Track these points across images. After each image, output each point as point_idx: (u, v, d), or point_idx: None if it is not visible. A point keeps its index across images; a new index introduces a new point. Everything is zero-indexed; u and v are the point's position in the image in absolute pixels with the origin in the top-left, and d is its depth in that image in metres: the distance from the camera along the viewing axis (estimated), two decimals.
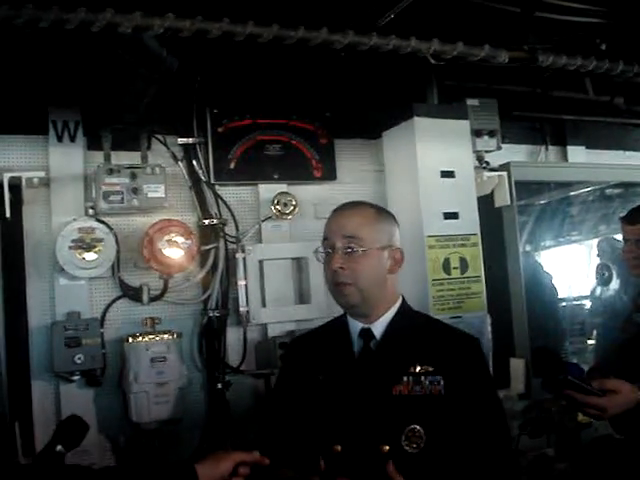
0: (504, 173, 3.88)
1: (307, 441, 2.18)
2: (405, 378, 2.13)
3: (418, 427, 2.08)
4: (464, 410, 2.10)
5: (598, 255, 5.19)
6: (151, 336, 3.11)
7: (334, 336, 2.32)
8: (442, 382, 2.12)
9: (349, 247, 2.18)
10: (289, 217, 3.51)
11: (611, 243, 5.08)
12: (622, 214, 3.46)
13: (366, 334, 2.24)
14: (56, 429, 2.35)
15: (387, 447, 2.05)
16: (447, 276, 3.53)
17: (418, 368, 2.14)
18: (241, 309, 3.39)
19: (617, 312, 4.61)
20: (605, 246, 5.23)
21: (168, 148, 3.41)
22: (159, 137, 3.39)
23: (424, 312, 3.30)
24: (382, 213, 2.32)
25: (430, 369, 2.14)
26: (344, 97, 3.69)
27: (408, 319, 2.31)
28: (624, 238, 3.34)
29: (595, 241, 5.60)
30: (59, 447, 2.19)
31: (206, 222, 3.42)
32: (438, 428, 2.08)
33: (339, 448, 2.10)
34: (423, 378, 2.13)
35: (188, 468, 1.97)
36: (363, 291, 2.19)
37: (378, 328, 2.24)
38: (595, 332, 4.95)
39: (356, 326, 2.26)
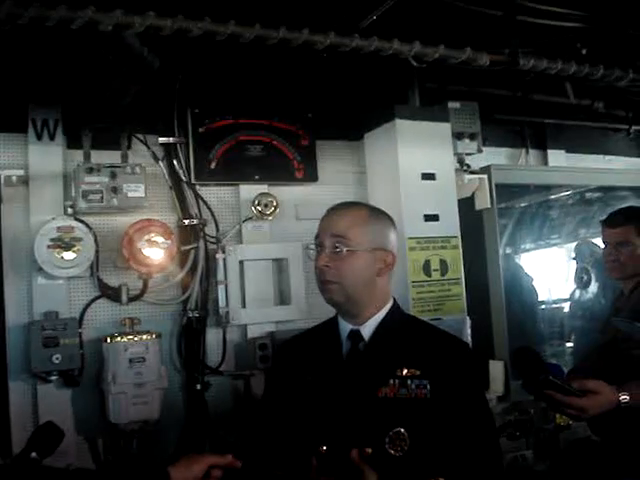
0: (485, 176, 3.89)
1: (295, 442, 2.18)
2: (391, 381, 2.14)
3: (402, 430, 2.08)
4: (450, 415, 2.10)
5: (575, 258, 5.21)
6: (130, 336, 3.09)
7: (324, 337, 2.34)
8: (428, 386, 2.12)
9: (336, 246, 2.20)
10: (270, 218, 3.50)
11: (590, 247, 5.10)
12: (602, 218, 3.49)
13: (355, 336, 2.25)
14: (31, 436, 2.34)
15: (369, 449, 2.03)
16: (427, 278, 3.53)
17: (405, 371, 2.15)
18: (221, 310, 3.37)
19: (596, 315, 4.64)
20: (584, 249, 5.25)
21: (149, 147, 3.39)
22: (140, 136, 3.37)
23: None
24: (376, 215, 2.33)
25: (417, 373, 2.14)
26: (326, 98, 3.69)
27: (398, 322, 2.31)
28: (604, 241, 3.37)
29: (575, 244, 5.63)
30: (33, 454, 2.18)
31: (186, 222, 3.40)
32: (423, 432, 2.08)
33: (324, 449, 2.10)
34: (409, 381, 2.13)
35: (161, 471, 1.97)
36: (348, 291, 2.20)
37: (367, 330, 2.25)
38: (573, 335, 4.97)
39: (346, 327, 2.27)
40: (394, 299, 2.35)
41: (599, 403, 2.42)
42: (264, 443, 2.28)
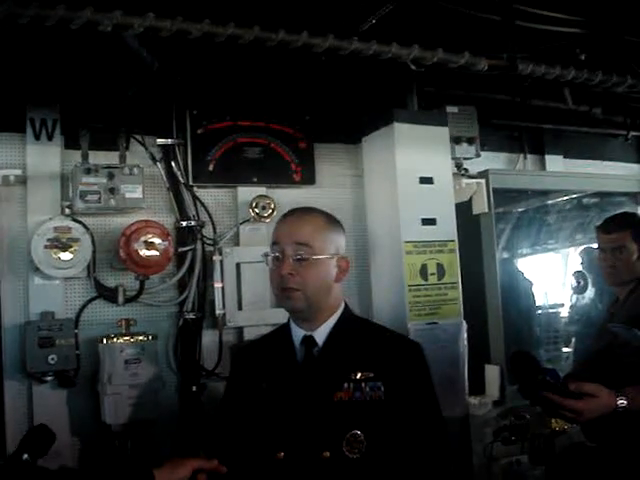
0: (482, 180, 3.90)
1: (252, 448, 2.21)
2: (346, 384, 2.17)
3: (359, 432, 2.11)
4: (404, 415, 2.15)
5: (582, 263, 5.24)
6: (126, 337, 3.09)
7: (278, 344, 2.35)
8: (382, 388, 2.15)
9: (299, 254, 2.20)
10: (267, 220, 3.49)
11: (588, 252, 5.12)
12: (598, 223, 3.50)
13: (308, 341, 2.27)
14: (23, 438, 2.35)
15: (328, 453, 2.08)
16: (424, 282, 3.53)
17: (359, 374, 2.17)
18: (217, 312, 3.37)
19: (592, 320, 4.65)
20: (583, 255, 5.28)
21: (147, 149, 3.38)
22: (138, 137, 3.36)
23: (399, 318, 3.34)
24: (331, 221, 2.34)
25: (371, 375, 2.17)
26: (324, 101, 3.69)
27: (350, 325, 2.33)
28: (600, 247, 3.37)
29: (571, 250, 5.64)
30: (25, 456, 2.19)
31: (184, 224, 3.40)
32: (378, 433, 2.12)
33: (282, 455, 2.14)
34: (364, 384, 2.16)
35: (146, 473, 1.97)
36: (309, 298, 2.21)
37: (320, 335, 2.27)
38: (573, 339, 4.98)
39: (299, 333, 2.29)
40: (345, 303, 2.37)
41: (596, 406, 2.42)
42: (223, 449, 2.29)
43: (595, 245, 3.57)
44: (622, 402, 2.43)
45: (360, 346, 2.25)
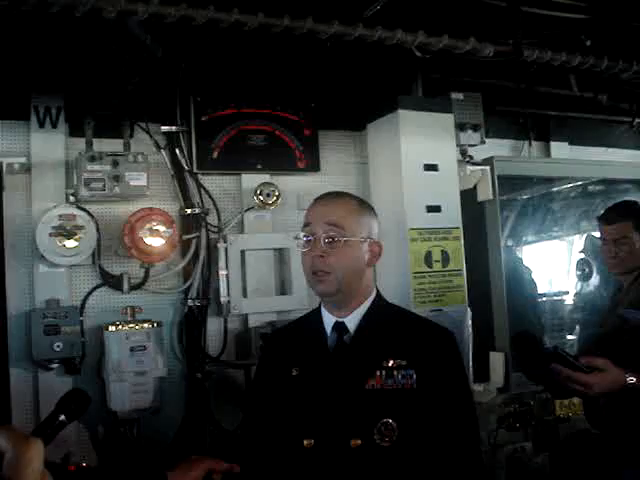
0: (487, 167, 3.89)
1: (281, 436, 2.18)
2: (378, 372, 2.13)
3: (390, 421, 2.08)
4: (436, 404, 2.11)
5: (582, 251, 5.23)
6: (131, 325, 3.10)
7: (309, 329, 2.32)
8: (414, 376, 2.12)
9: (331, 236, 2.17)
10: (272, 207, 3.50)
11: (592, 240, 5.11)
12: (599, 214, 3.49)
13: (340, 328, 2.24)
14: (60, 400, 2.36)
15: (359, 441, 2.06)
16: (429, 269, 3.53)
17: (391, 362, 2.14)
18: (222, 299, 3.37)
19: (597, 308, 4.64)
20: (588, 243, 5.27)
21: (151, 136, 3.38)
22: (142, 125, 3.36)
23: (404, 305, 3.33)
24: (364, 205, 2.31)
25: (403, 363, 2.13)
26: (329, 88, 3.68)
27: (382, 313, 2.30)
28: (602, 238, 3.37)
29: (576, 237, 5.63)
30: (62, 417, 2.20)
31: (188, 211, 3.40)
32: (410, 422, 2.09)
33: (312, 442, 2.11)
34: (396, 372, 2.12)
35: (160, 474, 1.97)
36: (340, 281, 2.17)
37: (352, 322, 2.23)
38: (577, 327, 4.98)
39: (330, 320, 2.25)
40: (377, 289, 2.34)
41: (605, 381, 2.41)
42: (252, 439, 2.28)
43: (597, 233, 3.56)
44: (631, 379, 2.41)
45: (392, 333, 2.22)
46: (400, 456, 2.07)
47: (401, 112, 3.53)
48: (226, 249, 3.40)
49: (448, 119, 3.69)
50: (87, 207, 3.17)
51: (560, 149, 4.54)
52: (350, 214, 2.21)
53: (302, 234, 2.23)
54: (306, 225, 2.23)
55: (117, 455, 3.09)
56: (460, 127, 3.80)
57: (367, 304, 2.27)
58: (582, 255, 5.22)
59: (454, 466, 2.10)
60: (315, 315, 2.33)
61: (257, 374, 2.49)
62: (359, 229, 2.21)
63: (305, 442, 2.11)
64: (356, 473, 2.05)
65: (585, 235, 5.31)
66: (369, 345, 2.19)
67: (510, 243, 5.00)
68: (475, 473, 2.14)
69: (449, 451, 2.10)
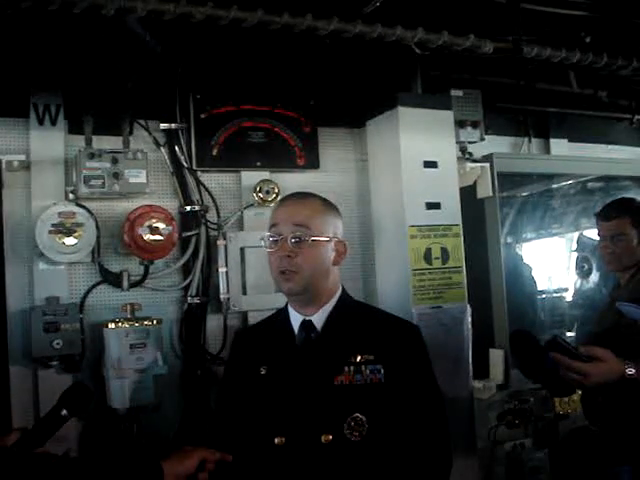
0: (487, 164, 3.89)
1: (251, 433, 2.22)
2: (346, 368, 2.18)
3: (360, 415, 2.13)
4: (404, 397, 2.17)
5: (576, 250, 5.23)
6: (131, 322, 3.09)
7: (277, 329, 2.36)
8: (382, 370, 2.18)
9: (297, 236, 2.22)
10: (271, 205, 3.49)
11: (583, 238, 5.12)
12: (597, 210, 3.49)
13: (307, 326, 2.28)
14: (62, 394, 2.36)
15: (330, 437, 2.11)
16: (428, 266, 3.53)
17: (359, 357, 2.20)
18: (222, 296, 3.37)
19: (596, 304, 4.64)
20: (585, 239, 5.26)
21: (150, 133, 3.38)
22: (141, 122, 3.36)
23: (403, 302, 3.34)
24: (329, 205, 2.37)
25: (370, 358, 2.19)
26: (328, 85, 3.67)
27: (349, 309, 2.35)
28: (599, 234, 3.37)
29: (576, 234, 5.63)
30: (64, 411, 2.20)
31: (188, 208, 3.40)
32: (379, 416, 2.14)
33: (282, 440, 2.15)
34: (364, 367, 2.18)
35: (154, 464, 1.98)
36: (307, 280, 2.23)
37: (319, 319, 2.29)
38: (576, 324, 4.98)
39: (297, 318, 2.30)
40: (343, 287, 2.39)
41: (604, 371, 2.40)
42: (222, 438, 2.31)
43: (588, 232, 3.56)
44: (630, 370, 2.41)
45: (359, 329, 2.27)
46: (370, 450, 2.12)
47: (401, 109, 3.53)
48: (226, 246, 3.40)
49: (448, 116, 3.68)
50: (86, 204, 3.17)
51: (560, 146, 4.54)
52: (316, 214, 2.27)
53: (267, 234, 2.28)
54: (273, 226, 2.29)
55: (117, 452, 3.09)
56: (460, 124, 3.80)
57: (333, 302, 2.32)
58: (576, 254, 5.22)
59: (422, 456, 2.15)
60: (282, 314, 2.38)
61: (226, 373, 2.54)
62: (325, 229, 2.27)
63: (276, 440, 2.16)
64: (328, 468, 2.11)
65: (580, 233, 5.31)
66: (336, 341, 2.24)
67: (510, 240, 4.99)
68: (443, 463, 2.20)
69: (418, 443, 2.15)
